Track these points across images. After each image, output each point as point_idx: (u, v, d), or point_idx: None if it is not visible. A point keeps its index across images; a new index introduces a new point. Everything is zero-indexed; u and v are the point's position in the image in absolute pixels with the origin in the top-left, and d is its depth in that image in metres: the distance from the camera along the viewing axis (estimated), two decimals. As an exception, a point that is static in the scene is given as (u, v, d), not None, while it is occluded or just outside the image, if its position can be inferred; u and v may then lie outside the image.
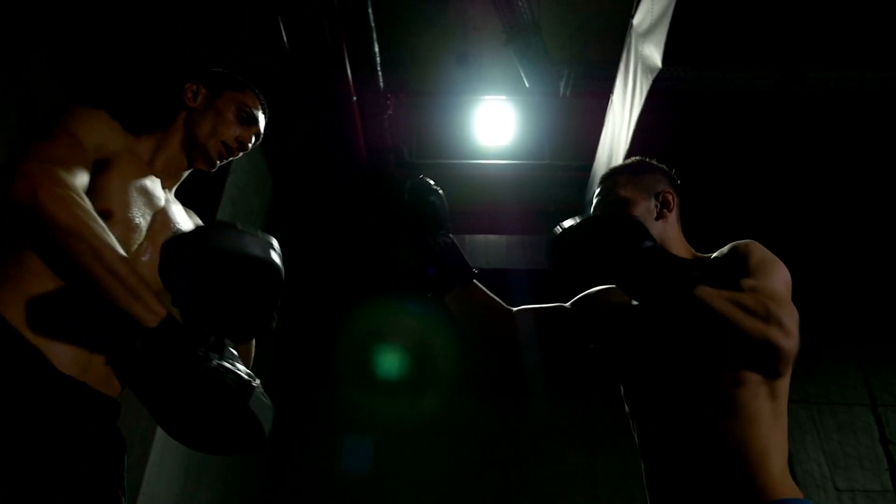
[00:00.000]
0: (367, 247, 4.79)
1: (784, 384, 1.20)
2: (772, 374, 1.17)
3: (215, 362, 0.92)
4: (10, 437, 1.00)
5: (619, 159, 3.06)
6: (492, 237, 4.73)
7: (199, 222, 1.53)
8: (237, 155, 1.49)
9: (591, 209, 1.50)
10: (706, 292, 1.09)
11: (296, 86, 3.64)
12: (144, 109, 1.45)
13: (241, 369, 0.95)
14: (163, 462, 2.58)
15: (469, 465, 4.18)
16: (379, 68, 3.80)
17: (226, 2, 3.18)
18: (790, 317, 1.13)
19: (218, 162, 1.46)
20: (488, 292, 1.52)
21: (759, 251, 1.30)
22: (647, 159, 1.56)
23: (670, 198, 1.43)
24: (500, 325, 1.50)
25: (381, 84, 3.94)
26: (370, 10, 3.40)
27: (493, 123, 4.36)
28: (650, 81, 2.41)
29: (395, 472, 4.16)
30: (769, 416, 1.15)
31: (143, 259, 1.24)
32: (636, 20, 2.59)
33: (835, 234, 4.52)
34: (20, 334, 1.05)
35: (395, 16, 3.74)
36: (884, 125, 3.85)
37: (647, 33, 2.42)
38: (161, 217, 1.31)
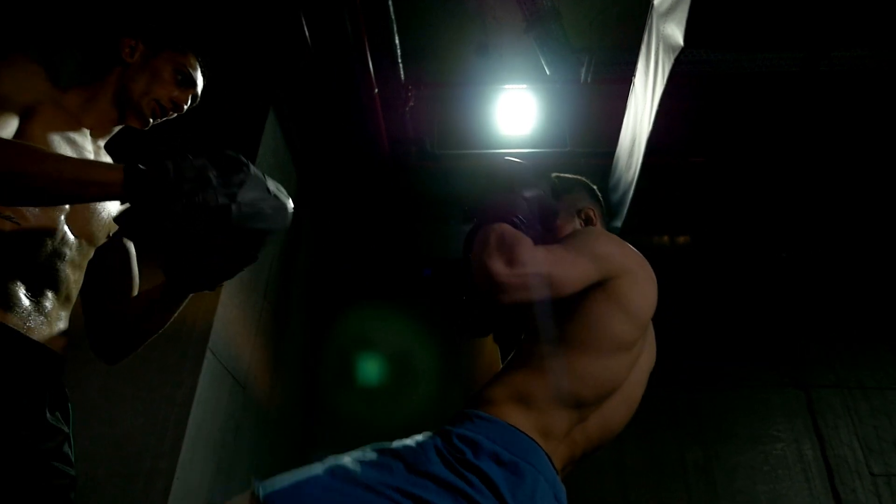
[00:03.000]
0: (391, 239, 4.82)
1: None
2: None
3: (194, 198, 0.97)
4: None
5: (642, 142, 3.04)
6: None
7: None
8: (171, 115, 1.48)
9: None
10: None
11: (318, 80, 3.69)
12: (75, 61, 1.42)
13: (219, 194, 0.99)
14: (196, 448, 2.64)
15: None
16: (400, 60, 3.83)
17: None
18: (531, 253, 1.13)
19: (151, 120, 1.45)
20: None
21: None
22: (564, 175, 1.64)
23: (592, 213, 1.52)
24: None
25: (402, 76, 3.96)
26: (390, 2, 3.42)
27: (515, 112, 4.35)
28: (672, 61, 2.39)
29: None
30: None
31: (75, 210, 1.26)
32: (656, 0, 2.57)
33: (863, 216, 4.44)
34: None
35: (414, 7, 3.75)
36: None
37: (668, 12, 2.40)
38: None
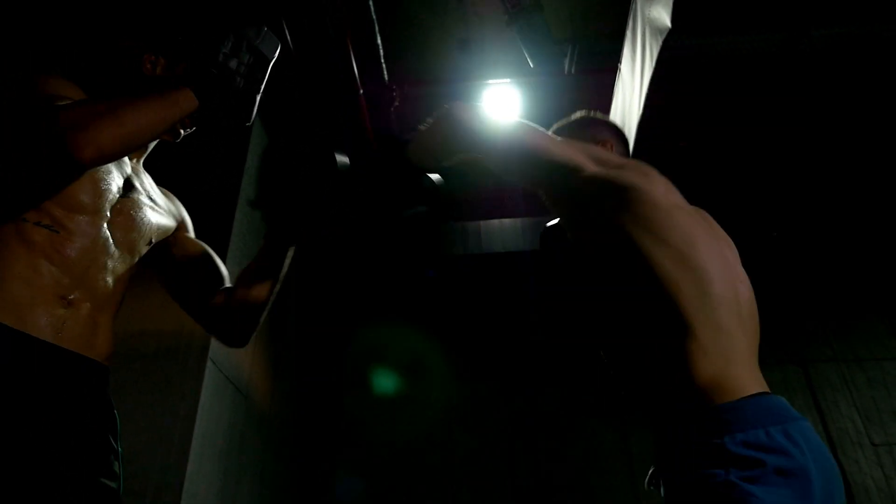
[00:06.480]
0: (379, 240, 4.81)
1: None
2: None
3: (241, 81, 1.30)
4: None
5: (632, 128, 3.05)
6: (506, 221, 4.73)
7: (169, 195, 1.52)
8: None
9: None
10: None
11: (303, 83, 3.66)
12: (99, 79, 1.39)
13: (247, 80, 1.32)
14: (202, 459, 2.60)
15: (503, 448, 4.18)
16: (383, 60, 3.81)
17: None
18: None
19: (182, 132, 1.43)
20: None
21: None
22: (596, 115, 1.63)
23: (609, 146, 1.50)
24: None
25: (386, 76, 3.95)
26: (371, 3, 3.40)
27: (500, 107, 4.35)
28: (660, 44, 2.40)
29: (429, 460, 4.17)
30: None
31: (117, 220, 1.24)
32: (640, -15, 2.58)
33: (850, 192, 4.50)
34: None
35: (394, 5, 3.74)
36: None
37: (654, -4, 2.42)
38: (129, 182, 1.31)
